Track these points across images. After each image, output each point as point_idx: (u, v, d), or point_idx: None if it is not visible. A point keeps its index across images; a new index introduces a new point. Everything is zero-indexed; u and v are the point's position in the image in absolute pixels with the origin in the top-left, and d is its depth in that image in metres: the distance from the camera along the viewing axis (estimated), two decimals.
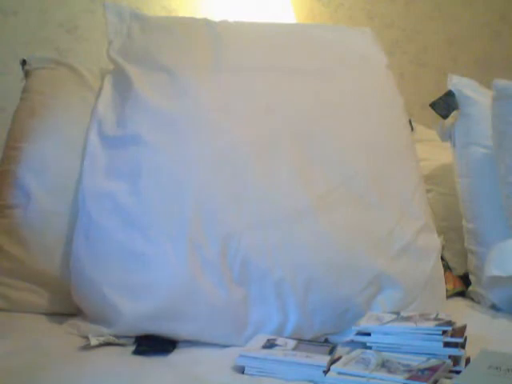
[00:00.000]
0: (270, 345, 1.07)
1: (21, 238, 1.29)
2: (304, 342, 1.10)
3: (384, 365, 0.98)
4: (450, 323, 1.05)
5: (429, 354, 1.02)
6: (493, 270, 1.35)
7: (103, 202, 1.22)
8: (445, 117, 1.56)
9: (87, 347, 1.09)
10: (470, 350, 1.04)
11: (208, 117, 1.28)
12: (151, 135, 1.26)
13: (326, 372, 0.98)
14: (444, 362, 0.99)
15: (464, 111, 1.55)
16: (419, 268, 1.25)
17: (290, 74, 1.38)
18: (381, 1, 2.35)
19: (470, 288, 1.52)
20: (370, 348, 1.06)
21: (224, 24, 1.48)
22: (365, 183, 1.28)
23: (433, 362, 0.99)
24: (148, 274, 1.15)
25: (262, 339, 1.10)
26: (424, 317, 1.10)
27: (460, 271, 1.60)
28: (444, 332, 1.03)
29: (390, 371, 0.96)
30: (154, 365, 1.05)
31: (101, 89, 1.38)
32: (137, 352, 1.10)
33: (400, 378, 0.93)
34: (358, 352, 1.04)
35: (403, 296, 1.22)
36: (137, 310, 1.13)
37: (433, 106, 1.56)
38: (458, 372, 0.99)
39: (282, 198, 1.21)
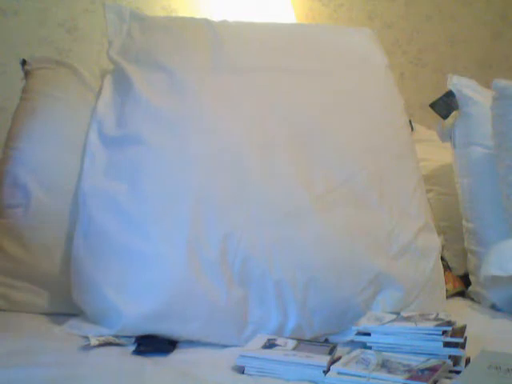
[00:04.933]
0: (270, 345, 1.07)
1: (21, 238, 1.29)
2: (304, 342, 1.10)
3: (384, 365, 0.98)
4: (450, 323, 1.05)
5: (429, 354, 1.02)
6: (492, 269, 1.35)
7: (103, 201, 1.22)
8: (445, 117, 1.56)
9: (87, 347, 1.09)
10: (470, 350, 1.04)
11: (208, 117, 1.28)
12: (151, 135, 1.26)
13: (325, 372, 0.98)
14: (444, 362, 0.99)
15: (464, 111, 1.55)
16: (419, 268, 1.25)
17: (289, 74, 1.38)
18: (381, 1, 2.35)
19: (470, 288, 1.52)
20: (369, 348, 1.06)
21: (224, 24, 1.49)
22: (365, 183, 1.28)
23: (433, 361, 0.99)
24: (148, 274, 1.15)
25: (262, 339, 1.10)
26: (424, 317, 1.10)
27: (460, 271, 1.60)
28: (444, 332, 1.03)
29: (389, 371, 0.96)
30: (154, 365, 1.04)
31: (101, 89, 1.38)
32: (137, 352, 1.10)
33: (400, 378, 0.93)
34: (357, 352, 1.04)
35: (403, 296, 1.22)
36: (137, 310, 1.13)
37: (433, 106, 1.56)
38: (458, 372, 0.99)
39: (281, 198, 1.21)
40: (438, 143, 1.65)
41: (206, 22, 1.47)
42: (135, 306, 1.13)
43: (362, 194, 1.26)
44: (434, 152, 1.75)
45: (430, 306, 1.23)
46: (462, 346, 1.04)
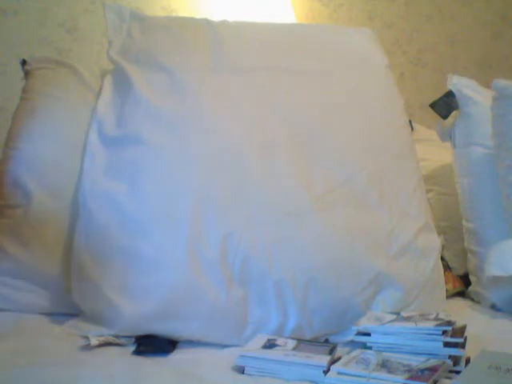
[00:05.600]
0: (270, 345, 1.07)
1: (21, 238, 1.29)
2: (304, 342, 1.10)
3: (384, 365, 0.98)
4: (450, 323, 1.05)
5: (429, 354, 1.02)
6: (493, 270, 1.35)
7: (103, 201, 1.22)
8: (445, 117, 1.56)
9: (87, 347, 1.09)
10: (470, 350, 1.04)
11: (208, 117, 1.28)
12: (151, 135, 1.26)
13: (325, 372, 0.98)
14: (444, 362, 0.99)
15: (464, 111, 1.55)
16: (419, 268, 1.25)
17: (289, 74, 1.38)
18: (381, 1, 2.35)
19: (470, 288, 1.52)
20: (370, 348, 1.06)
21: (224, 24, 1.49)
22: (365, 183, 1.28)
23: (433, 361, 0.99)
24: (148, 274, 1.15)
25: (262, 339, 1.10)
26: (424, 317, 1.10)
27: (460, 271, 1.60)
28: (444, 332, 1.03)
29: (389, 371, 0.96)
30: (154, 365, 1.05)
31: (101, 89, 1.38)
32: (137, 352, 1.10)
33: (400, 377, 0.93)
34: (357, 352, 1.04)
35: (403, 296, 1.22)
36: (137, 310, 1.13)
37: (433, 106, 1.56)
38: (458, 372, 0.99)
39: (281, 198, 1.21)
40: (438, 143, 1.65)
41: (206, 22, 1.47)
42: (135, 305, 1.13)
43: (362, 194, 1.26)
44: (434, 152, 1.75)
45: (430, 306, 1.23)
46: (462, 345, 1.04)
